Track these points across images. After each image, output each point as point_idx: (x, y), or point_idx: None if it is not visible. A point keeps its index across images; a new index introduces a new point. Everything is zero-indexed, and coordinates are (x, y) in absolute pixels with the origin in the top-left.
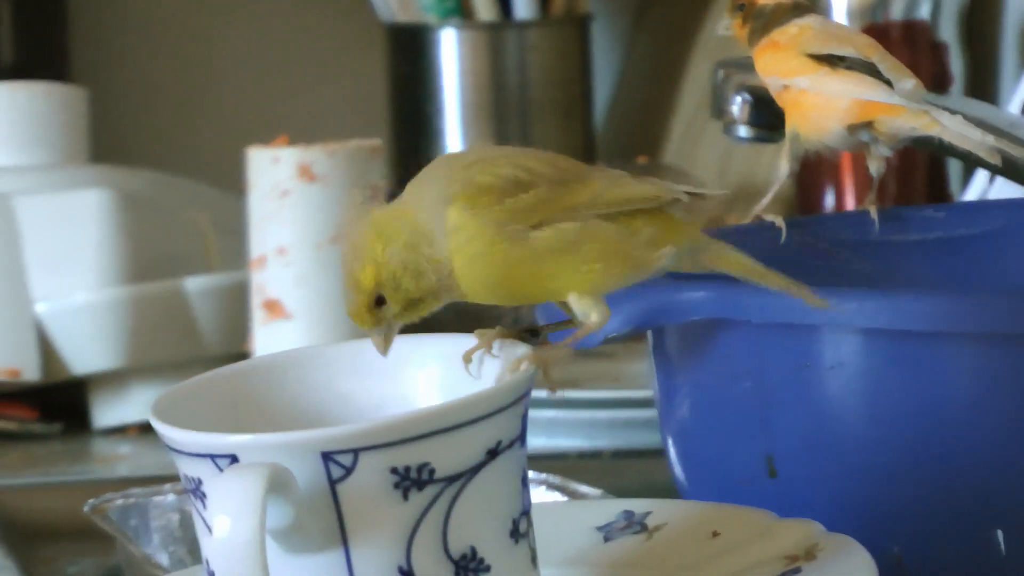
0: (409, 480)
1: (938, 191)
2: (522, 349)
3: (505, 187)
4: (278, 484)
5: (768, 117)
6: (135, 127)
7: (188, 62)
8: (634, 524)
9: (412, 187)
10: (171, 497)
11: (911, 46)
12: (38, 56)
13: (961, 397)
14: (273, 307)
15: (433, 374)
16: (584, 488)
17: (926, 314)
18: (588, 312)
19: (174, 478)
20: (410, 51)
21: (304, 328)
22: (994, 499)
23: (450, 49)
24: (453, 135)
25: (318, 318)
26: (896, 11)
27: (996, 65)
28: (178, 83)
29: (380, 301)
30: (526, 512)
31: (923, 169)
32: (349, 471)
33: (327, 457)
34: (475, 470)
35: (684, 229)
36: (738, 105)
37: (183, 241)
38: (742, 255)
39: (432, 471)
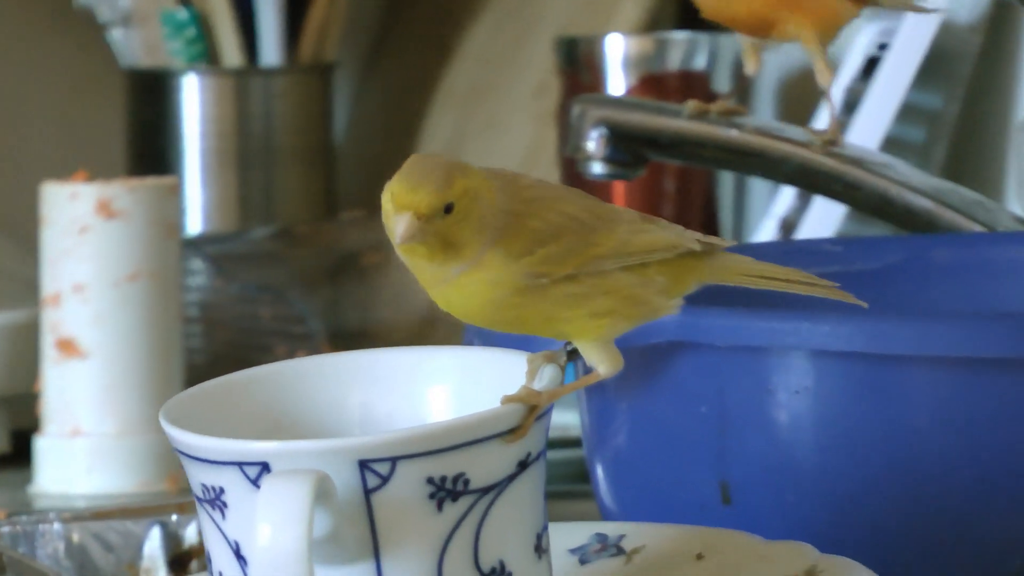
0: (445, 491)
1: (711, 216)
2: (543, 378)
3: (545, 235)
4: (322, 492)
5: (624, 153)
6: None
7: None
8: (609, 547)
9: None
10: (57, 526)
11: (688, 96)
12: None
13: (929, 422)
14: (67, 346)
15: (445, 387)
16: None
17: (906, 337)
18: (597, 363)
19: None
20: (152, 96)
21: (100, 367)
22: (960, 527)
23: (193, 95)
24: (193, 181)
25: (115, 357)
26: (673, 61)
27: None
28: None
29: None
30: (546, 528)
31: (700, 195)
32: (385, 480)
33: (364, 465)
34: (507, 482)
35: (693, 271)
36: (595, 140)
37: None
38: (753, 261)
39: (467, 482)
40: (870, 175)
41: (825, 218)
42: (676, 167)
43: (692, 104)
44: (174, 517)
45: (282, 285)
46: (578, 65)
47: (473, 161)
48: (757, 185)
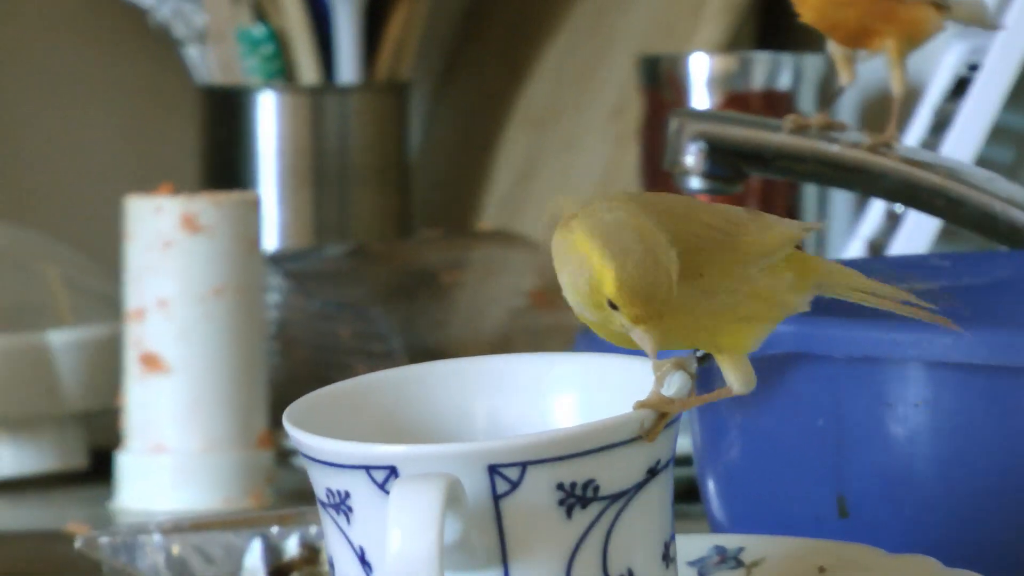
0: (574, 497)
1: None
2: (671, 385)
3: (697, 249)
4: (452, 497)
5: (722, 168)
6: None
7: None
8: (728, 559)
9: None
10: (157, 537)
11: (772, 116)
12: None
13: None
14: (151, 361)
15: (571, 394)
16: None
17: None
18: (733, 379)
19: (51, 531)
20: (227, 113)
21: (183, 383)
22: None
23: (269, 112)
24: (269, 199)
25: (200, 373)
26: (757, 81)
27: None
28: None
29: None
30: (674, 537)
31: (783, 212)
32: (515, 486)
33: (493, 470)
34: (637, 489)
35: (813, 265)
36: (693, 155)
37: (32, 294)
38: (861, 276)
39: (597, 488)
40: (973, 190)
41: (915, 237)
42: (758, 183)
43: (792, 118)
44: (275, 529)
45: (361, 302)
46: (660, 84)
47: (549, 182)
48: (839, 203)
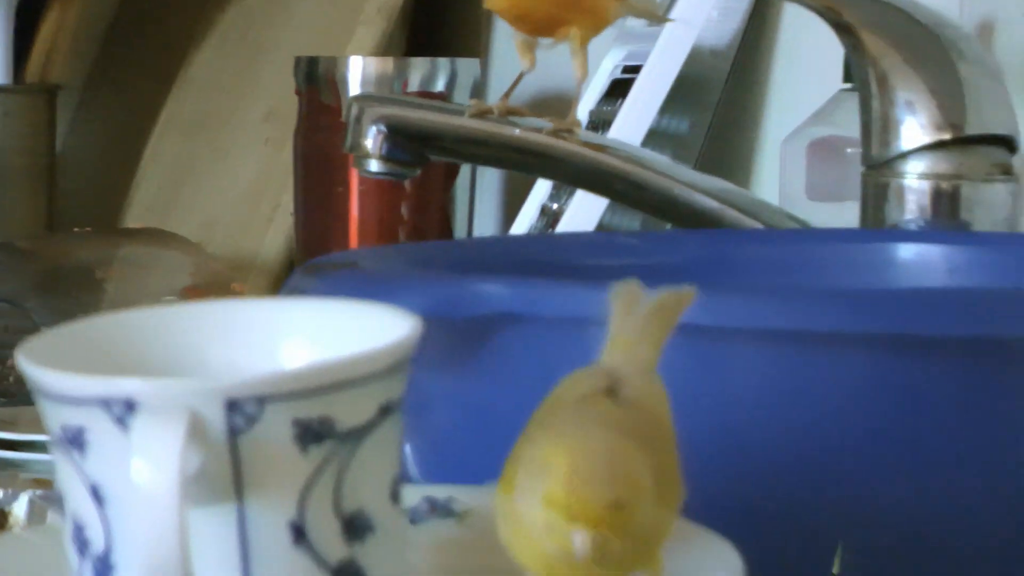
0: (311, 434)
1: (446, 226)
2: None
3: None
4: (194, 431)
5: (403, 152)
6: None
7: None
8: (439, 509)
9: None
10: None
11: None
12: None
13: (758, 396)
14: None
15: (304, 339)
16: None
17: (738, 310)
18: None
19: None
20: None
21: None
22: (789, 503)
23: None
24: None
25: None
26: (413, 83)
27: None
28: None
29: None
30: (402, 476)
31: (437, 206)
32: (253, 421)
33: (232, 405)
34: (370, 427)
35: None
36: (373, 138)
37: None
38: None
39: (333, 425)
40: (655, 175)
41: (584, 213)
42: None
43: (474, 103)
44: None
45: (16, 297)
46: (318, 85)
47: (201, 185)
48: (486, 184)
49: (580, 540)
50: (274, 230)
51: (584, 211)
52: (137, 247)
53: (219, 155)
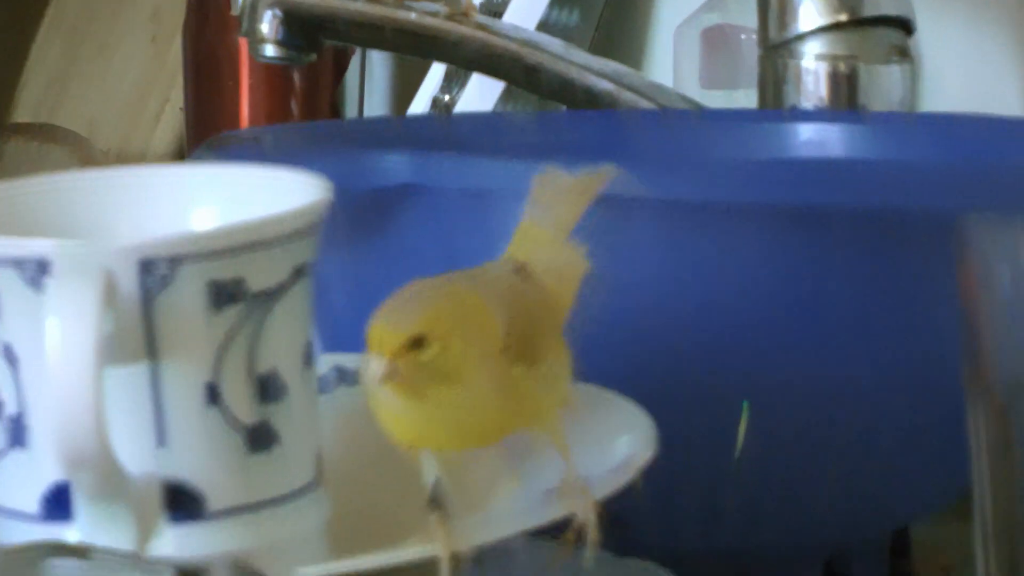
0: (224, 295)
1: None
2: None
3: None
4: (109, 290)
5: (298, 37)
6: None
7: None
8: (347, 378)
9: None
10: None
11: None
12: None
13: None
14: None
15: (215, 204)
16: None
17: (642, 179)
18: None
19: None
20: None
21: None
22: (685, 377)
23: None
24: None
25: None
26: None
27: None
28: None
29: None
30: (313, 341)
31: (327, 101)
32: (166, 282)
33: (145, 266)
34: (282, 289)
35: None
36: (268, 23)
37: None
38: None
39: (246, 286)
40: (551, 58)
41: (477, 104)
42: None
43: None
44: None
45: None
46: None
47: (85, 85)
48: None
49: (373, 365)
50: (163, 126)
51: (476, 102)
52: (25, 141)
53: (106, 54)
